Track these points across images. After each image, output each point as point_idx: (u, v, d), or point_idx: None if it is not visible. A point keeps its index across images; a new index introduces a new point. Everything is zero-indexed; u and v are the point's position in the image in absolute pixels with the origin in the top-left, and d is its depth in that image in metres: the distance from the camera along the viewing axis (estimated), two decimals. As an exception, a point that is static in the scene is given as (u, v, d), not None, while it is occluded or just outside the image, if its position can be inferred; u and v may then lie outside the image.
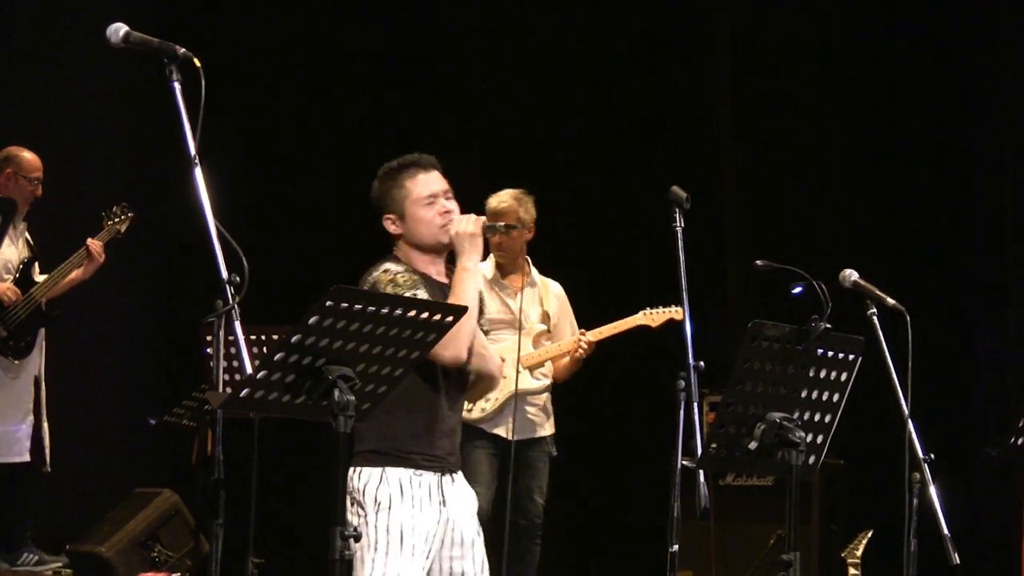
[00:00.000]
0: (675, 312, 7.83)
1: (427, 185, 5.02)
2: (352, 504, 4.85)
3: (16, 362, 8.24)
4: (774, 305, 6.16)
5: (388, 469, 4.85)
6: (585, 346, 7.85)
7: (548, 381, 8.00)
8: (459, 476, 5.02)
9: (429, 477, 4.89)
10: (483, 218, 5.00)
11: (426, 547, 4.84)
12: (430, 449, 4.90)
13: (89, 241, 8.31)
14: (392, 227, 5.03)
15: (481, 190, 8.09)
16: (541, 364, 7.96)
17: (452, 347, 4.78)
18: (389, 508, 4.81)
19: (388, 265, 4.92)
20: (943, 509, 5.22)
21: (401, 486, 4.84)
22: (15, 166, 8.34)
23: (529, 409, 7.98)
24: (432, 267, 5.03)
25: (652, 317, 7.91)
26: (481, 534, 5.05)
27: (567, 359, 7.95)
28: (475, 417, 7.73)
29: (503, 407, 7.87)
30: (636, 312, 7.92)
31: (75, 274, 8.33)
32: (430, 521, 4.86)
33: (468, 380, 5.07)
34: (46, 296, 8.31)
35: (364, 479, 4.85)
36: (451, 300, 4.81)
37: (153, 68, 4.09)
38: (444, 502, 4.91)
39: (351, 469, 4.89)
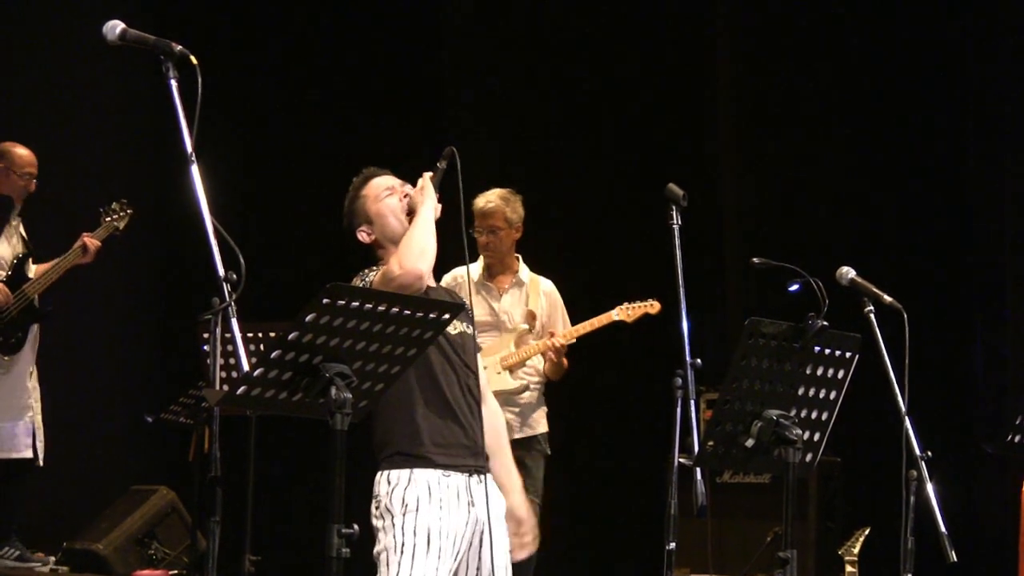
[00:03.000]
0: (650, 306, 7.83)
1: (382, 183, 5.10)
2: (377, 509, 4.84)
3: (6, 358, 8.24)
4: (771, 302, 6.16)
5: (416, 471, 4.82)
6: (553, 351, 7.81)
7: (524, 382, 7.96)
8: (489, 477, 4.98)
9: (457, 478, 4.87)
10: (428, 173, 5.05)
11: (454, 549, 4.81)
12: (456, 450, 4.88)
13: (86, 238, 8.30)
14: (367, 237, 5.09)
15: (479, 187, 8.10)
16: (521, 364, 7.94)
17: (405, 260, 4.77)
18: (417, 510, 4.78)
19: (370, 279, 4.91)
20: (940, 506, 5.22)
21: (429, 488, 4.81)
22: (7, 161, 8.35)
23: (515, 409, 7.94)
24: None
25: (627, 312, 7.89)
26: (507, 535, 5.03)
27: (549, 361, 7.92)
28: None
29: None
30: (613, 309, 7.92)
31: (64, 266, 8.34)
32: (458, 522, 4.83)
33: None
34: (39, 292, 8.30)
35: (393, 482, 4.82)
36: (408, 232, 4.87)
37: (150, 65, 4.09)
38: (472, 503, 4.88)
39: (378, 473, 4.88)
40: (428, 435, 4.85)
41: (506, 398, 7.93)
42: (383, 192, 5.07)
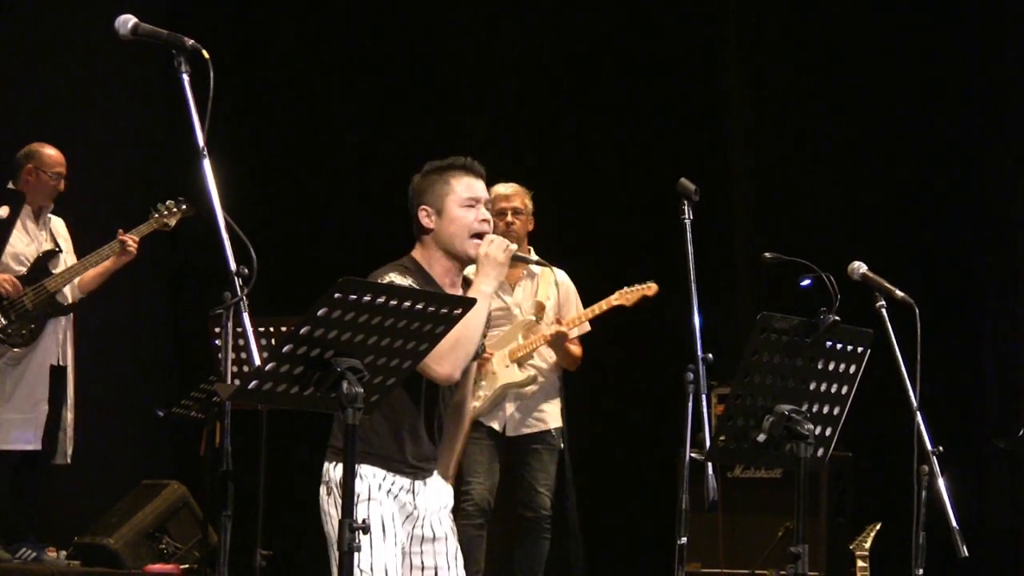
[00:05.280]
0: (647, 288, 7.83)
1: (472, 188, 4.97)
2: (329, 495, 4.86)
3: (17, 350, 8.25)
4: (783, 297, 6.16)
5: (362, 466, 4.79)
6: (555, 334, 7.82)
7: (532, 373, 7.97)
8: (432, 477, 5.00)
9: (401, 480, 4.88)
10: (514, 247, 4.97)
11: (402, 538, 4.86)
12: (403, 455, 4.88)
13: (125, 236, 8.30)
14: (426, 220, 4.95)
15: (490, 181, 8.09)
16: (529, 355, 7.94)
17: (448, 362, 4.73)
18: (368, 500, 4.80)
19: (392, 276, 4.84)
20: (951, 502, 5.22)
21: (376, 480, 4.84)
22: (37, 162, 8.39)
23: (530, 403, 7.97)
24: (447, 277, 4.97)
25: (626, 296, 7.90)
26: (455, 529, 5.05)
27: (557, 348, 7.93)
28: None
29: (495, 401, 7.89)
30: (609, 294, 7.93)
31: (107, 264, 8.34)
32: (402, 514, 4.87)
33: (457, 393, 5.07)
34: (63, 287, 8.33)
35: (336, 473, 4.84)
36: (463, 329, 4.61)
37: (162, 60, 4.10)
38: (414, 501, 4.91)
39: (327, 462, 4.90)
40: (380, 442, 4.86)
41: (514, 391, 7.95)
42: (469, 200, 4.95)
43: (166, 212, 8.44)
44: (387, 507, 4.82)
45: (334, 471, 4.85)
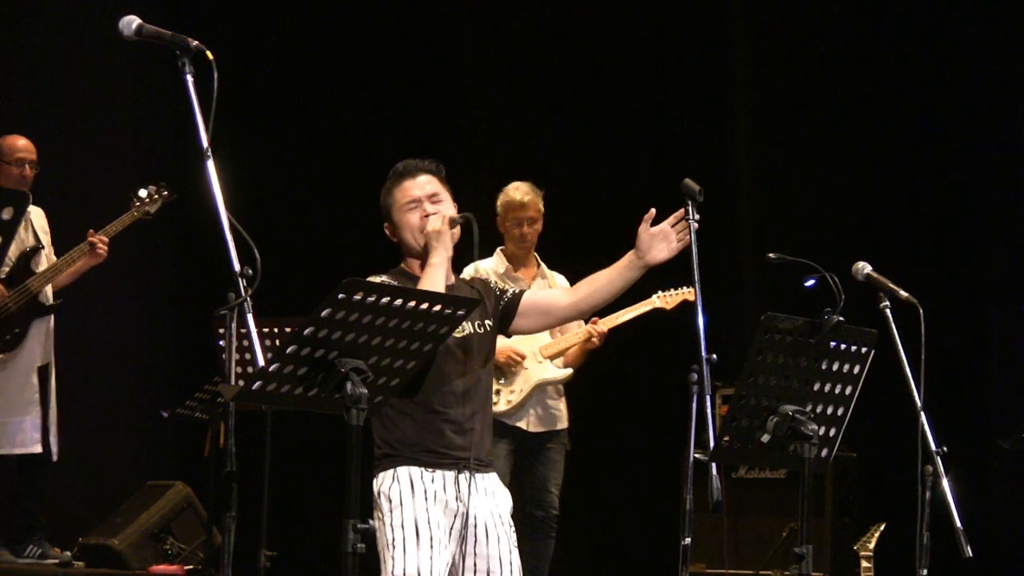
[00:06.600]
0: (688, 293, 7.83)
1: (409, 191, 5.09)
2: (375, 508, 4.91)
3: (2, 355, 8.13)
4: (787, 298, 6.15)
5: (399, 468, 4.89)
6: (596, 336, 7.88)
7: (570, 370, 8.02)
8: (488, 476, 5.01)
9: (443, 474, 4.90)
10: (448, 214, 5.04)
11: (446, 539, 4.85)
12: (441, 448, 4.90)
13: (95, 237, 8.16)
14: (389, 234, 5.15)
15: (492, 183, 8.09)
16: (560, 353, 7.98)
17: None
18: (401, 504, 4.84)
19: (384, 279, 4.96)
20: (955, 502, 5.22)
21: (412, 482, 4.87)
22: None
23: (550, 402, 8.00)
24: None
25: (666, 300, 7.91)
26: (512, 533, 5.04)
27: (577, 348, 7.97)
28: (502, 410, 7.75)
29: (527, 399, 7.90)
30: (648, 297, 7.92)
31: (78, 265, 8.16)
32: (447, 514, 4.87)
33: (475, 377, 5.07)
34: (46, 286, 8.19)
35: (379, 482, 4.91)
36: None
37: (167, 60, 4.10)
38: (460, 497, 4.90)
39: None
40: (412, 436, 4.90)
41: (547, 389, 7.97)
42: (408, 204, 5.07)
43: (147, 200, 8.23)
44: (422, 509, 4.84)
45: (375, 484, 4.92)
